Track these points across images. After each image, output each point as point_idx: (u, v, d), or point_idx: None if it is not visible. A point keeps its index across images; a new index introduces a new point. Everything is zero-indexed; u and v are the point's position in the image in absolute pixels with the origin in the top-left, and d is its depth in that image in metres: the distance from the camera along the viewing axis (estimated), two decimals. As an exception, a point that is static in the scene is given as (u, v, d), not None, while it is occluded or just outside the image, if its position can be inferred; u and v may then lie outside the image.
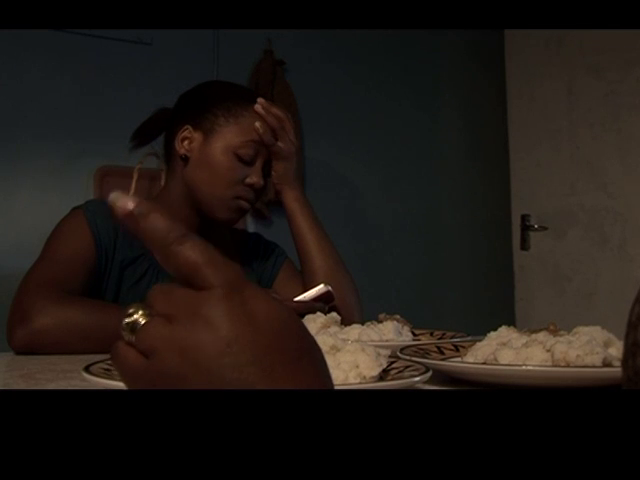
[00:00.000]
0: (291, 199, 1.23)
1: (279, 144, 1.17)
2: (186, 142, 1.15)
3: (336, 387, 0.51)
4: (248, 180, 1.12)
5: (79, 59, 2.00)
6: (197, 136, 1.14)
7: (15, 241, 1.88)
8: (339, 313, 0.97)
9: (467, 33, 2.66)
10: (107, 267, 1.09)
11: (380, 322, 0.92)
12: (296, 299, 1.10)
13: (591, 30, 2.19)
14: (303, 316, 0.94)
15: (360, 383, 0.52)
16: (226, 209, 1.13)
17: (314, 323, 0.90)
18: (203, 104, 1.16)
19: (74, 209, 1.13)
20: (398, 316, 0.97)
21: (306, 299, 1.10)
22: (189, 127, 1.15)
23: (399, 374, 0.57)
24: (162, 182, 1.26)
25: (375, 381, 0.53)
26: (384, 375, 0.56)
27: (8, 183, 1.92)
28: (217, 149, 1.12)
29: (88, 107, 2.01)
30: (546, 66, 2.40)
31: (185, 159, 1.15)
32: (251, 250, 1.29)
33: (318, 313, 0.94)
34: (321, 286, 1.12)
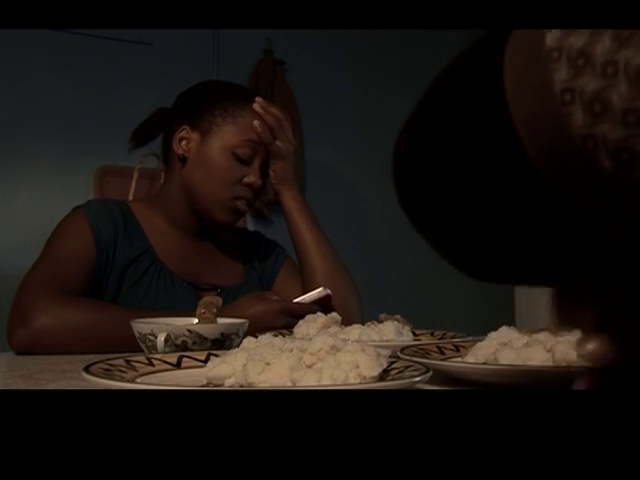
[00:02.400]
0: (289, 199, 1.23)
1: (277, 143, 1.17)
2: (184, 142, 1.15)
3: (336, 387, 0.51)
4: (246, 180, 1.12)
5: (79, 59, 2.00)
6: (195, 136, 1.14)
7: (15, 241, 1.88)
8: (338, 313, 0.97)
9: (467, 33, 2.65)
10: (107, 267, 1.09)
11: (380, 322, 0.92)
12: (295, 300, 1.10)
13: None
14: (303, 317, 0.94)
15: (360, 383, 0.52)
16: (224, 210, 1.13)
17: (314, 323, 0.90)
18: (201, 104, 1.16)
19: (75, 209, 1.13)
20: (398, 316, 0.97)
21: (305, 301, 1.11)
22: (187, 127, 1.15)
23: (399, 374, 0.57)
24: (161, 182, 1.26)
25: (375, 381, 0.53)
26: (384, 375, 0.56)
27: (8, 183, 1.92)
28: (215, 149, 1.12)
29: (88, 107, 2.01)
30: (546, 66, 2.40)
31: (183, 159, 1.15)
32: (252, 248, 1.29)
33: (318, 313, 0.94)
34: (321, 289, 1.12)
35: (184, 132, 1.15)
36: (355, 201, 2.47)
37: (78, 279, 1.03)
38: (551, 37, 0.25)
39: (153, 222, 1.17)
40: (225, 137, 1.12)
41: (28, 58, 1.94)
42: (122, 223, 1.13)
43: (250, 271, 1.26)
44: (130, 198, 1.29)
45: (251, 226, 2.13)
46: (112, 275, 1.10)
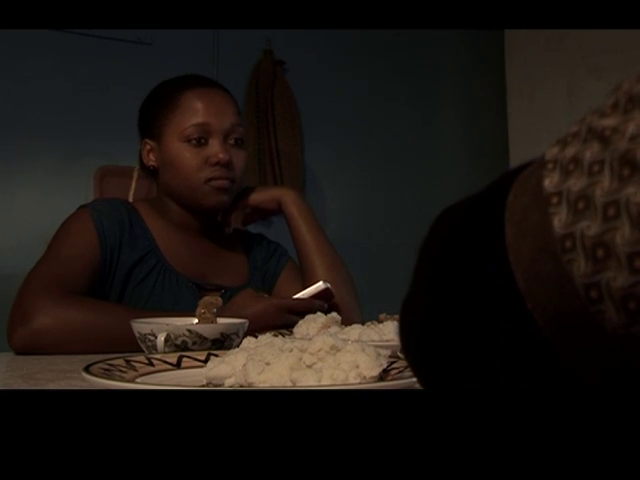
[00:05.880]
0: (289, 203, 1.25)
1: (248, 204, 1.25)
2: (150, 154, 1.19)
3: (336, 387, 0.51)
4: (211, 160, 1.14)
5: (79, 59, 2.00)
6: (154, 144, 1.19)
7: (15, 241, 1.88)
8: (338, 312, 0.97)
9: (467, 33, 2.65)
10: (112, 267, 1.10)
11: (381, 322, 0.92)
12: (295, 296, 1.10)
13: (591, 30, 2.19)
14: (303, 315, 0.94)
15: (360, 383, 0.52)
16: (205, 195, 1.15)
17: (314, 323, 0.90)
18: (147, 115, 1.21)
19: (80, 208, 1.14)
20: (398, 316, 0.97)
21: (305, 296, 1.10)
22: (146, 140, 1.20)
23: (399, 374, 0.57)
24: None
25: (375, 381, 0.53)
26: (384, 375, 0.56)
27: (8, 183, 1.92)
28: (170, 145, 1.15)
29: (88, 107, 2.01)
30: (546, 66, 2.40)
31: (155, 170, 1.20)
32: (255, 249, 1.30)
33: (319, 313, 0.93)
34: (320, 283, 1.12)
35: (147, 146, 1.19)
36: (355, 201, 2.47)
37: (81, 279, 1.03)
38: (549, 181, 0.24)
39: (158, 222, 1.19)
40: (173, 130, 1.15)
41: (28, 58, 1.94)
42: (128, 222, 1.14)
43: (254, 272, 1.26)
44: (130, 199, 1.30)
45: (251, 227, 2.13)
46: (117, 275, 1.10)
